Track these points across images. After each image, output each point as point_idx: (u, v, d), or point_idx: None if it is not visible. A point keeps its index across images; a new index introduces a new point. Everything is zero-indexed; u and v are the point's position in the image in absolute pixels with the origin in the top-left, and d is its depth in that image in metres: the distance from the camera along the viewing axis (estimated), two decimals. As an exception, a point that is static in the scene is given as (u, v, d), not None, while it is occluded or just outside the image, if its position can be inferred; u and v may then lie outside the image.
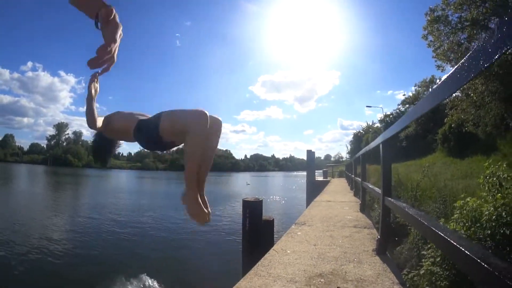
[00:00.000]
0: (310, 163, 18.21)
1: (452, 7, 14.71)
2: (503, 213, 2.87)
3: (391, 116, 35.95)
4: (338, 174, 26.43)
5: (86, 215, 17.45)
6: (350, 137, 55.14)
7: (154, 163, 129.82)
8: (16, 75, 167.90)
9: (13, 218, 15.07)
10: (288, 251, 3.00)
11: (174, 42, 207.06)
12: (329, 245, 3.24)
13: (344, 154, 66.06)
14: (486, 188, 3.34)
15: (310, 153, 18.27)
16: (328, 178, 20.76)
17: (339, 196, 8.30)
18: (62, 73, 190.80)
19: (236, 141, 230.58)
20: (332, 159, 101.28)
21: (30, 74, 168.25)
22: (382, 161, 3.04)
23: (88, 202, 23.28)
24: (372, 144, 4.06)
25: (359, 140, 45.67)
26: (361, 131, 49.89)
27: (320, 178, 20.36)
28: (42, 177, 53.79)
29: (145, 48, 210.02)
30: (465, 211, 3.14)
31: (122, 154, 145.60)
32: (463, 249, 1.10)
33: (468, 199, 3.28)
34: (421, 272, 2.99)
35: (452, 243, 1.20)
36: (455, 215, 3.29)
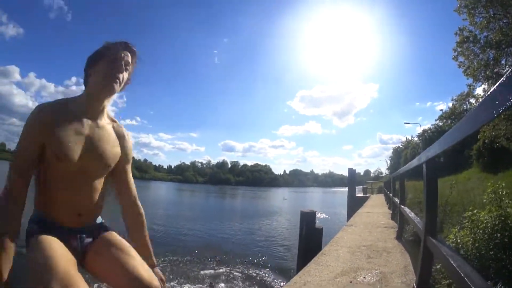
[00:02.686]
0: (352, 180, 19.50)
1: (479, 26, 15.46)
2: (497, 222, 4.10)
3: (429, 131, 35.69)
4: (377, 190, 26.95)
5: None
6: (390, 152, 54.72)
7: (194, 176, 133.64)
8: (61, 88, 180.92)
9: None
10: (345, 238, 4.75)
11: (212, 59, 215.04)
12: (368, 235, 5.01)
13: (384, 170, 65.16)
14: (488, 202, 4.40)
15: (351, 170, 19.67)
16: (368, 194, 21.72)
17: (376, 209, 9.78)
18: None
19: (275, 156, 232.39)
20: (371, 174, 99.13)
21: (74, 88, 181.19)
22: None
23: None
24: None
25: (398, 155, 45.63)
26: (401, 145, 49.60)
27: (360, 194, 21.36)
28: None
29: (185, 65, 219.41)
30: (470, 221, 4.24)
31: (163, 166, 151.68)
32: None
33: (475, 211, 4.61)
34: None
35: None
36: (465, 223, 4.63)
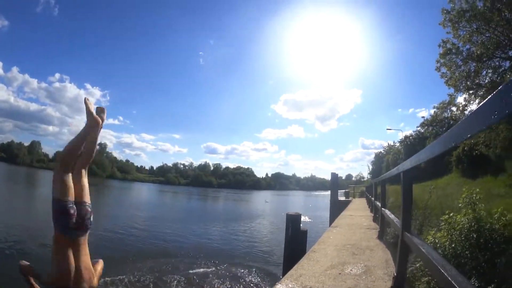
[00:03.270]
0: (334, 184, 20.08)
1: (462, 39, 16.31)
2: (472, 223, 4.53)
3: (410, 137, 36.55)
4: (359, 194, 27.30)
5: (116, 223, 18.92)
6: (372, 156, 55.44)
7: (176, 178, 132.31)
8: (43, 85, 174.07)
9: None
10: (331, 238, 5.12)
11: (198, 60, 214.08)
12: (352, 235, 5.42)
13: (366, 174, 66.30)
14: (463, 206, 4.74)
15: (333, 175, 20.28)
16: (350, 198, 22.30)
17: (359, 212, 10.28)
18: (88, 85, 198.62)
19: (257, 159, 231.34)
20: (353, 178, 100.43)
21: (57, 85, 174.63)
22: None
23: (116, 213, 24.13)
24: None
25: (380, 160, 45.93)
26: (382, 151, 49.92)
27: (343, 198, 21.93)
28: None
29: (170, 65, 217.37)
30: (447, 223, 4.55)
31: (145, 167, 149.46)
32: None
33: (451, 214, 5.01)
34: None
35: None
36: (442, 225, 5.03)
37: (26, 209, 20.97)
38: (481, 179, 13.71)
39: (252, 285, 10.32)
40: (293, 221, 9.80)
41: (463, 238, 4.09)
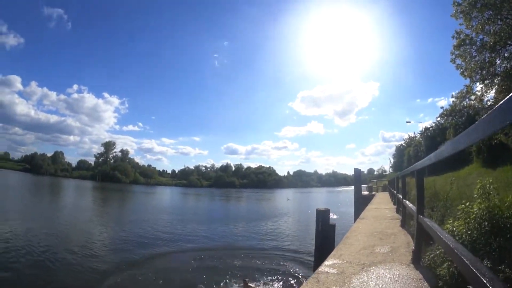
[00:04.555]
0: (357, 179, 20.68)
1: (475, 29, 16.52)
2: (485, 212, 5.18)
3: (430, 128, 36.80)
4: (382, 188, 27.86)
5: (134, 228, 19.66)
6: (393, 149, 55.18)
7: (199, 180, 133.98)
8: (62, 97, 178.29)
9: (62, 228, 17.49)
10: (360, 227, 5.97)
11: (213, 62, 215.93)
12: (378, 225, 6.22)
13: (387, 168, 65.94)
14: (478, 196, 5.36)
15: (357, 170, 20.85)
16: (373, 192, 22.73)
17: (383, 205, 11.01)
18: (106, 94, 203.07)
19: (278, 157, 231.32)
20: (375, 172, 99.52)
21: (75, 96, 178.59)
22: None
23: (137, 217, 25.22)
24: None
25: (401, 153, 46.33)
26: (403, 143, 50.36)
27: (366, 193, 22.32)
28: (94, 192, 58.11)
29: (185, 69, 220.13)
30: (464, 212, 5.23)
31: (166, 171, 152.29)
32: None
33: (467, 203, 5.64)
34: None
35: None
36: (459, 214, 5.68)
37: (55, 217, 21.98)
38: (501, 169, 13.85)
39: (290, 272, 11.36)
40: (323, 215, 10.82)
41: (477, 226, 4.34)
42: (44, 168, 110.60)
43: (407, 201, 5.34)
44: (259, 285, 10.47)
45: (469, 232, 4.04)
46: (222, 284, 10.36)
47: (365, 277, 2.97)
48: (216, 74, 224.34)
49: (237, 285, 10.32)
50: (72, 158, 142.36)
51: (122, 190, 70.78)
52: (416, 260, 3.48)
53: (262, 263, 12.45)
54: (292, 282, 10.71)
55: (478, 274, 1.35)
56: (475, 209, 4.25)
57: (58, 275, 10.40)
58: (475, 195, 4.84)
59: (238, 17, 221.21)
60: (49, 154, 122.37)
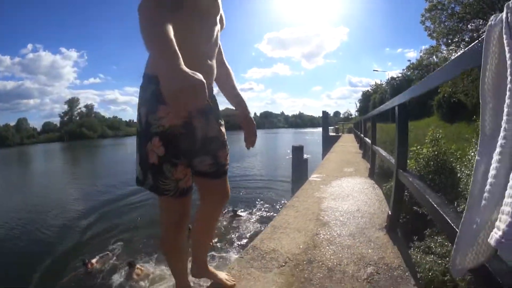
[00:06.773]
0: (325, 121, 22.85)
1: None
2: (431, 154, 5.08)
3: (397, 79, 38.59)
4: (347, 130, 29.32)
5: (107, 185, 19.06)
6: (359, 94, 56.65)
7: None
8: (17, 59, 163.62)
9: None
10: (330, 158, 7.75)
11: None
12: (345, 156, 8.04)
13: (353, 111, 68.88)
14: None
15: (325, 113, 23.02)
16: (340, 134, 24.81)
17: (348, 143, 12.95)
18: (63, 49, 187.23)
19: (244, 99, 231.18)
20: (341, 116, 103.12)
21: (31, 56, 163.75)
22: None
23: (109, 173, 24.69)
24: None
25: (367, 99, 48.59)
26: (370, 89, 52.71)
27: (333, 134, 24.40)
28: (64, 154, 56.60)
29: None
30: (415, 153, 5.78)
31: (133, 120, 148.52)
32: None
33: (418, 146, 7.21)
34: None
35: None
36: (411, 155, 7.24)
37: (26, 189, 20.43)
38: (457, 124, 15.30)
39: (273, 198, 13.17)
40: (297, 151, 12.91)
41: (425, 164, 4.82)
42: (10, 140, 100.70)
43: (366, 138, 7.09)
44: (243, 211, 11.70)
45: (417, 169, 4.56)
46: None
47: (339, 181, 4.68)
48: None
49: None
50: (36, 123, 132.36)
51: (91, 146, 68.90)
52: (371, 175, 5.17)
53: (246, 193, 14.33)
54: (276, 205, 12.17)
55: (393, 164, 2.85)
56: (424, 151, 4.73)
57: (39, 237, 10.64)
58: (426, 141, 5.25)
59: None
60: (12, 124, 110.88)
